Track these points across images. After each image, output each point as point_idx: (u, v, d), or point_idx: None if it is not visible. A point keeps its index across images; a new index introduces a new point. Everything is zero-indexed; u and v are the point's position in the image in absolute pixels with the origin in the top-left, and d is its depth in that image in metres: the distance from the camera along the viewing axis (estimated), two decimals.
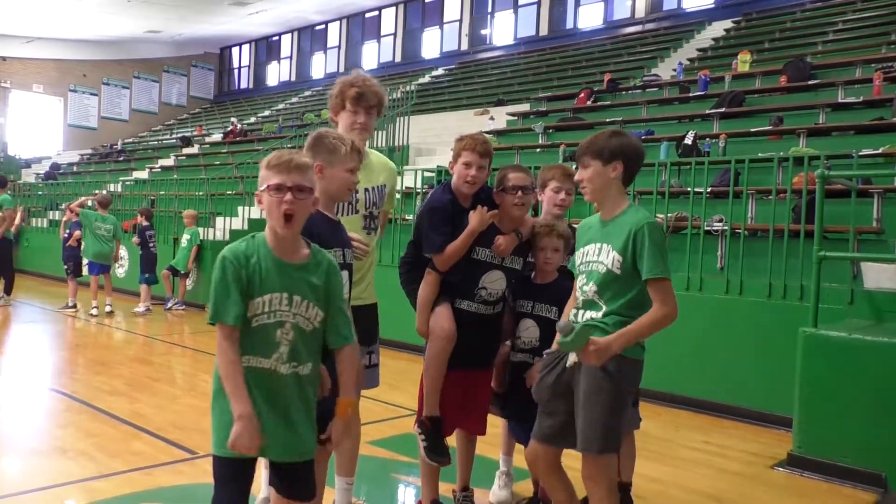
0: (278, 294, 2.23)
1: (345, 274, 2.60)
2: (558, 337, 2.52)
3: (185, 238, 10.74)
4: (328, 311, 2.32)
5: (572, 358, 2.63)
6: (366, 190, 3.10)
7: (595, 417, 2.54)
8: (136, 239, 10.52)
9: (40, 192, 17.36)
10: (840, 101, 8.63)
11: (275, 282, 2.23)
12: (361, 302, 3.09)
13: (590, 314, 2.64)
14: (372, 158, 3.19)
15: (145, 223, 10.60)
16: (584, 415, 2.57)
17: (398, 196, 9.44)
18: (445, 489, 3.46)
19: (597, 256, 2.64)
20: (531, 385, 2.95)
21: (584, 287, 2.67)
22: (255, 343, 2.22)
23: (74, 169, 22.00)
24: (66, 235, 10.61)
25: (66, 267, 10.42)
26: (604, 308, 2.60)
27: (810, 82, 9.49)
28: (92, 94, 26.89)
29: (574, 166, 2.97)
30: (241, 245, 2.25)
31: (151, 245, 10.49)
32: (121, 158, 21.63)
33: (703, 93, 10.31)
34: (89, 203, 10.44)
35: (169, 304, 10.58)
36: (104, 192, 12.96)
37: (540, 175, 3.50)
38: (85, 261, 10.23)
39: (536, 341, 3.23)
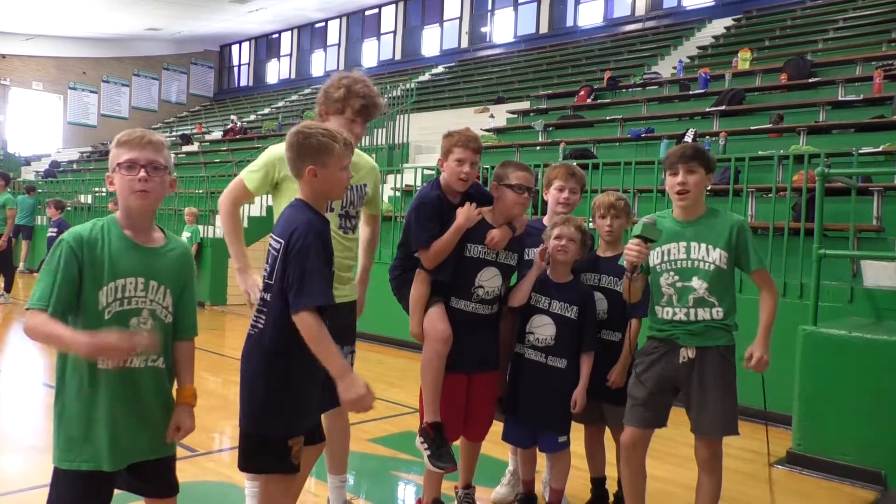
0: (133, 279, 2.07)
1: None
2: (641, 223, 2.79)
3: (185, 235, 10.73)
4: (181, 299, 2.21)
5: (688, 353, 2.82)
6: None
7: (732, 404, 2.84)
8: None
9: (40, 190, 17.34)
10: (840, 98, 8.62)
11: (128, 265, 2.07)
12: (345, 299, 3.04)
13: (703, 312, 2.82)
14: (356, 158, 3.03)
15: None
16: (725, 403, 2.83)
17: (397, 194, 9.45)
18: (447, 487, 3.46)
19: (688, 254, 2.81)
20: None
21: (677, 284, 2.83)
22: None
23: (74, 167, 21.99)
24: (53, 234, 10.25)
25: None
26: (717, 306, 2.81)
27: (811, 80, 9.49)
28: (92, 91, 26.89)
29: (581, 165, 3.02)
30: (86, 228, 2.06)
31: None
32: None
33: (703, 91, 10.31)
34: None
35: None
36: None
37: (546, 174, 3.50)
38: None
39: (552, 339, 3.17)
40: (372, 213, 3.28)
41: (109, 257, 2.04)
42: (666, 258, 2.84)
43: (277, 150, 2.84)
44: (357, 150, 3.10)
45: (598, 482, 3.46)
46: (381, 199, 3.30)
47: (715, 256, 2.77)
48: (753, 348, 2.82)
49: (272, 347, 2.28)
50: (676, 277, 2.81)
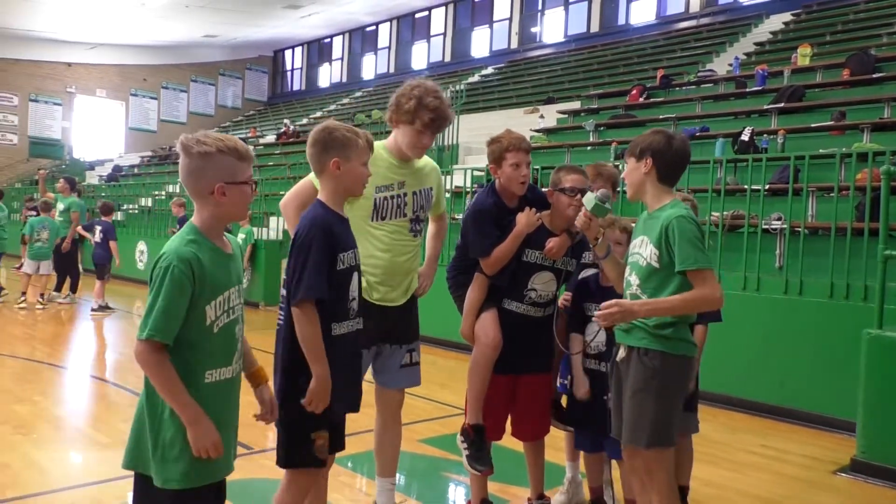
0: (234, 288, 2.04)
1: (356, 276, 2.51)
2: (593, 196, 2.69)
3: (240, 237, 10.97)
4: None
5: (622, 353, 2.64)
6: (414, 193, 3.06)
7: (641, 413, 2.54)
8: None
9: (103, 194, 17.96)
10: None
11: (226, 277, 2.02)
12: (394, 303, 3.05)
13: None
14: (421, 163, 3.13)
15: None
16: (630, 410, 2.58)
17: (447, 195, 9.48)
18: (497, 489, 3.45)
19: (639, 248, 2.65)
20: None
21: (629, 278, 2.67)
22: (218, 351, 2.00)
23: (135, 171, 22.72)
24: (97, 240, 10.27)
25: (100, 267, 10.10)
26: None
27: (874, 75, 9.16)
28: (152, 97, 27.76)
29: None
30: (189, 249, 1.95)
31: None
32: (179, 160, 22.22)
33: (760, 88, 10.06)
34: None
35: None
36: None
37: None
38: None
39: (603, 346, 3.14)
40: (436, 213, 3.32)
41: (212, 272, 1.97)
42: (630, 251, 2.72)
43: None
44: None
45: (680, 491, 3.36)
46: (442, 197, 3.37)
47: (647, 253, 2.57)
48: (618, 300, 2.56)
49: (289, 340, 2.40)
50: (629, 271, 2.68)
